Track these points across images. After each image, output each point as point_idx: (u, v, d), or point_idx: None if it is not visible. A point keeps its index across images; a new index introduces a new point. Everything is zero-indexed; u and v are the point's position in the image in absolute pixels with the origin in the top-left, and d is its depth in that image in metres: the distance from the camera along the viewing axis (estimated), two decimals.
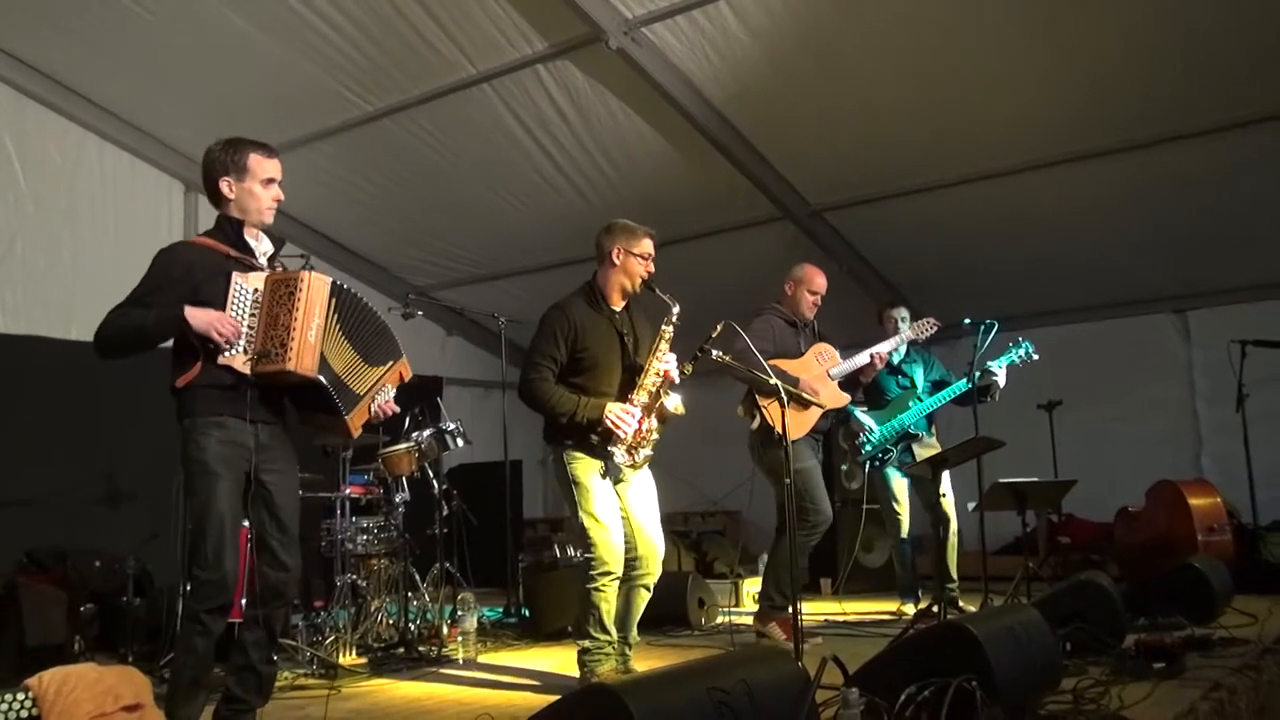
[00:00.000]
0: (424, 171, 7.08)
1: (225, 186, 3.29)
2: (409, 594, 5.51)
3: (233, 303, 3.16)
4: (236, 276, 3.19)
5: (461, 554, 6.09)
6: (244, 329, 3.16)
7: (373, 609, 5.37)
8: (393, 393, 3.50)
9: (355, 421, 3.37)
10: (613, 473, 4.12)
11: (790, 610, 4.86)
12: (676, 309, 4.12)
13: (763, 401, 4.95)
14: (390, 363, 3.47)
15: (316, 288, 3.21)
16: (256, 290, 3.21)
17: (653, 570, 4.17)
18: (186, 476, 3.19)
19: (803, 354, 5.23)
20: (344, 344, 3.32)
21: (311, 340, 3.17)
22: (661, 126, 6.35)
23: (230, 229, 3.32)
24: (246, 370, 3.16)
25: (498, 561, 6.67)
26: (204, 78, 6.23)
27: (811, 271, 5.37)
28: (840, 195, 7.00)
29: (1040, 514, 6.87)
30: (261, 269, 3.31)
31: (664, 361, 4.13)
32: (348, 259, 8.22)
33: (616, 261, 4.19)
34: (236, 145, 3.32)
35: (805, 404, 4.91)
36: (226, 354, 3.13)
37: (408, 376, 3.55)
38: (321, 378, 3.21)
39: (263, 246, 3.39)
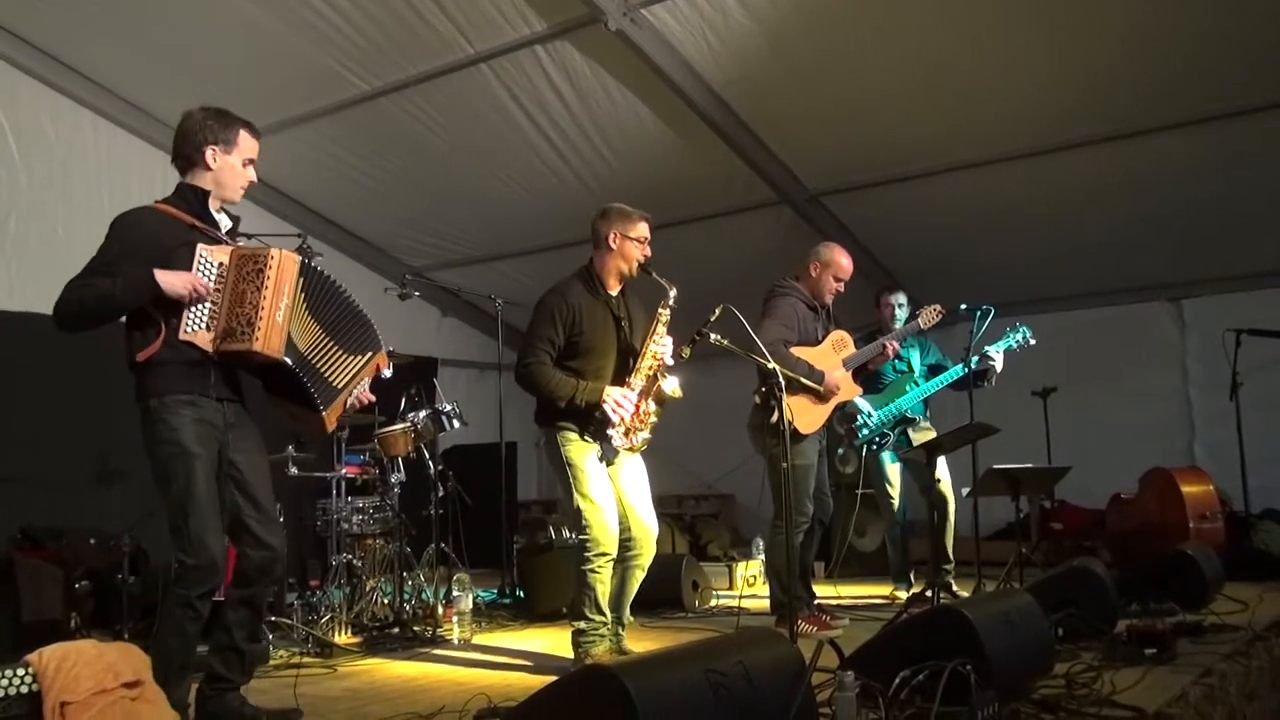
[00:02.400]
0: (421, 152, 7.04)
1: (210, 155, 3.19)
2: (404, 574, 5.52)
3: (196, 275, 3.06)
4: (201, 248, 3.07)
5: (457, 535, 6.09)
6: (208, 303, 3.06)
7: (368, 589, 5.39)
8: (367, 383, 3.37)
9: (331, 418, 3.25)
10: (607, 455, 4.13)
11: (805, 604, 4.90)
12: (674, 292, 4.13)
13: (788, 397, 4.85)
14: (369, 354, 3.35)
15: (286, 265, 3.10)
16: (222, 264, 3.09)
17: (647, 552, 4.19)
18: (159, 460, 3.06)
19: (820, 341, 5.07)
20: (310, 323, 3.21)
21: (279, 320, 3.07)
22: (660, 109, 6.32)
23: (195, 199, 3.20)
24: (210, 347, 3.06)
25: (493, 542, 6.68)
26: (200, 55, 6.18)
27: (840, 255, 5.14)
28: (838, 181, 6.99)
29: (1033, 500, 6.89)
30: (225, 242, 3.20)
31: (661, 345, 4.14)
32: (343, 238, 8.18)
33: (613, 246, 4.19)
34: (226, 117, 3.24)
35: (823, 398, 4.85)
36: (188, 330, 3.03)
37: (385, 368, 3.43)
38: (287, 359, 3.11)
39: (224, 221, 3.29)
